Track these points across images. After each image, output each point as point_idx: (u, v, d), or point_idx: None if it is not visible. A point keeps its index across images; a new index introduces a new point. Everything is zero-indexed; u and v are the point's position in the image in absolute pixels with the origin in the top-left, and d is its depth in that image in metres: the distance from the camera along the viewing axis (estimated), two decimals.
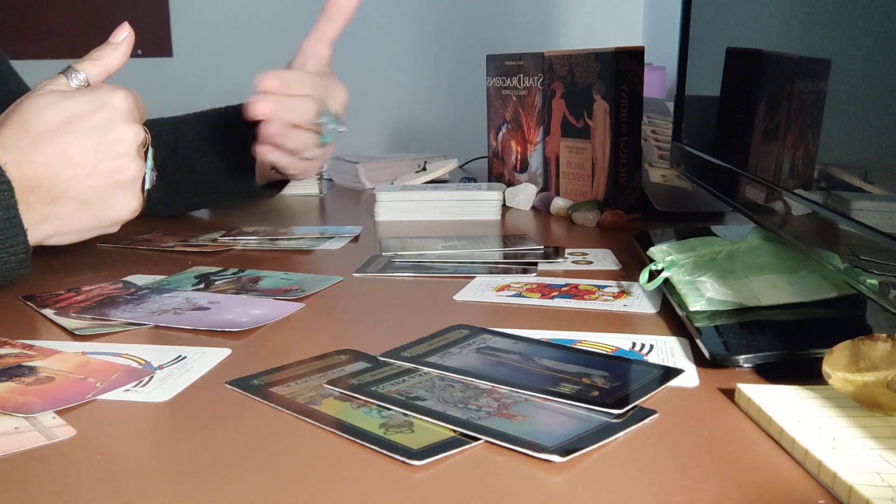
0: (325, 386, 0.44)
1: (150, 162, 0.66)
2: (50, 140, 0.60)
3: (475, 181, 1.17)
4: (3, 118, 0.61)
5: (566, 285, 0.65)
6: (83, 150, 0.60)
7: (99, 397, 0.43)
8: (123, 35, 0.66)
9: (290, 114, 0.76)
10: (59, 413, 0.41)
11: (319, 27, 0.80)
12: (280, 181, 0.95)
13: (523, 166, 1.11)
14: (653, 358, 0.48)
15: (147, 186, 0.66)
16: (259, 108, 0.74)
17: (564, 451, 0.35)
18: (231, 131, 0.88)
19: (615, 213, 0.90)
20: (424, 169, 1.26)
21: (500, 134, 1.16)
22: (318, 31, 0.80)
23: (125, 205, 0.64)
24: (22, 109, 0.61)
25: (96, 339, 0.53)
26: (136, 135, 0.63)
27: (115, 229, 0.66)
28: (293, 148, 0.79)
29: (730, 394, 0.42)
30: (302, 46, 0.81)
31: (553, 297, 0.61)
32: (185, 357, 0.49)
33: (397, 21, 2.27)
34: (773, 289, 0.54)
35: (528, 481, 0.34)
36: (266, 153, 0.79)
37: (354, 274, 0.70)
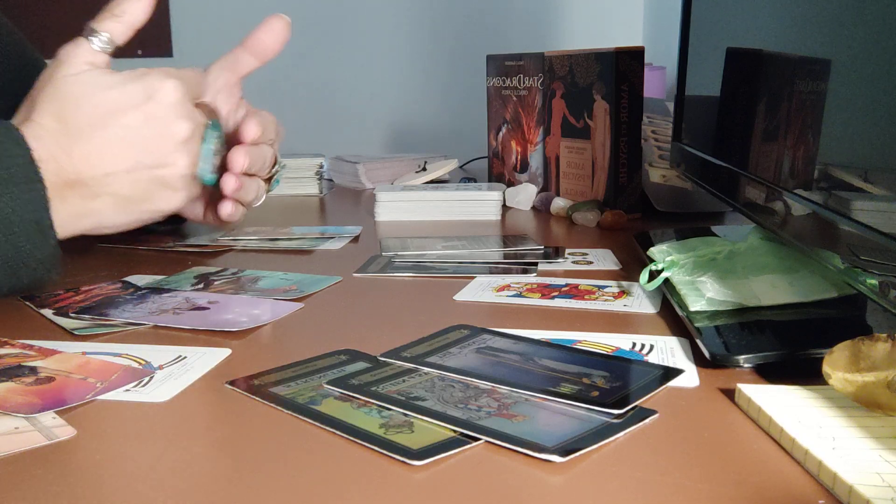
0: (325, 386, 0.44)
1: (208, 146, 0.63)
2: (90, 134, 0.57)
3: (475, 181, 1.17)
4: (35, 100, 0.57)
5: (566, 285, 0.65)
6: (125, 146, 0.57)
7: (99, 397, 0.43)
8: None
9: (257, 164, 0.67)
10: (59, 413, 0.41)
11: (237, 59, 0.71)
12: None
13: (523, 166, 1.11)
14: (653, 358, 0.48)
15: (204, 173, 0.63)
16: (240, 163, 0.65)
17: (564, 451, 0.35)
18: None
19: (615, 213, 0.90)
20: (424, 169, 1.26)
21: (501, 134, 1.16)
22: (232, 62, 0.70)
23: (168, 200, 0.61)
24: (58, 94, 0.57)
25: (96, 339, 0.53)
26: (185, 130, 0.59)
27: (158, 219, 0.64)
28: (248, 201, 0.70)
29: (730, 394, 0.42)
30: (212, 71, 0.70)
31: (553, 298, 0.61)
32: (185, 357, 0.49)
33: (397, 21, 2.27)
34: (773, 289, 0.54)
35: (528, 481, 0.34)
36: (230, 214, 0.68)
37: (354, 274, 0.70)
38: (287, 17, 0.69)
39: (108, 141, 0.57)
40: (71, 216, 0.57)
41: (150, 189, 0.60)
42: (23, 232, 0.54)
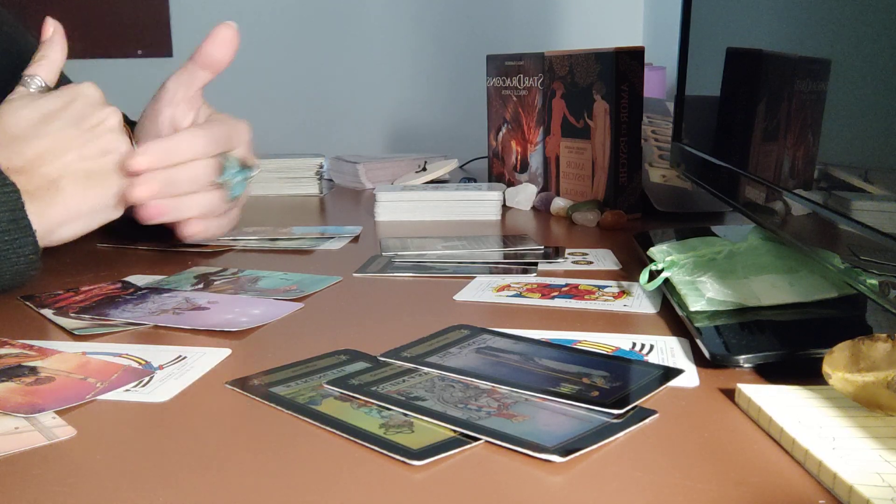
0: (325, 386, 0.44)
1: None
2: (35, 136, 0.62)
3: (475, 181, 1.17)
4: None
5: (566, 285, 0.65)
6: (68, 137, 0.62)
7: (99, 397, 0.43)
8: (52, 28, 0.69)
9: (179, 187, 0.67)
10: (59, 413, 0.41)
11: (191, 74, 0.69)
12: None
13: (523, 166, 1.11)
14: (653, 358, 0.48)
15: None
16: (138, 194, 0.64)
17: (564, 451, 0.35)
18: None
19: (615, 213, 0.90)
20: (424, 169, 1.26)
21: (501, 134, 1.16)
22: (188, 78, 0.69)
23: (121, 182, 0.65)
24: (2, 120, 0.63)
25: (96, 339, 0.53)
26: (115, 114, 0.65)
27: (121, 210, 0.66)
28: (197, 214, 0.69)
29: (730, 394, 0.42)
30: (169, 85, 0.70)
31: (553, 298, 0.61)
32: (185, 357, 0.49)
33: (397, 21, 2.26)
34: (773, 289, 0.54)
35: (528, 481, 0.34)
36: (191, 234, 0.70)
37: (354, 274, 0.70)
38: (234, 23, 0.69)
39: (52, 136, 0.62)
40: (39, 208, 0.60)
41: (104, 170, 0.64)
42: (3, 229, 0.58)
